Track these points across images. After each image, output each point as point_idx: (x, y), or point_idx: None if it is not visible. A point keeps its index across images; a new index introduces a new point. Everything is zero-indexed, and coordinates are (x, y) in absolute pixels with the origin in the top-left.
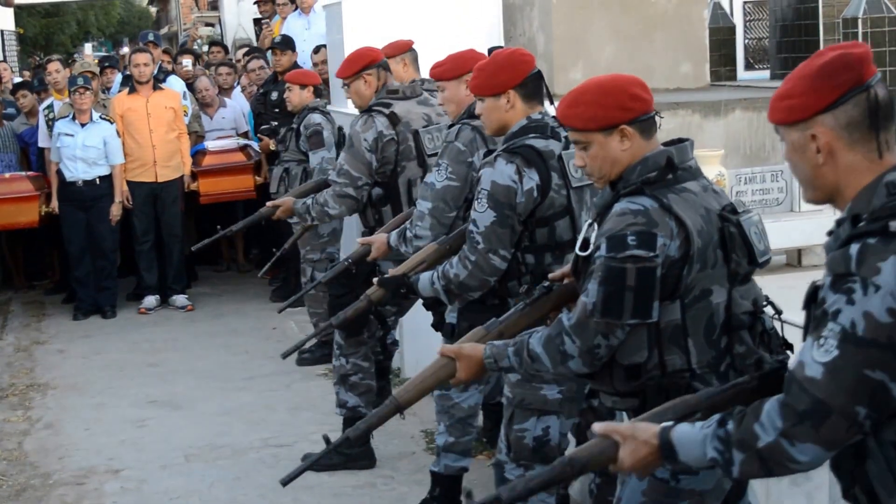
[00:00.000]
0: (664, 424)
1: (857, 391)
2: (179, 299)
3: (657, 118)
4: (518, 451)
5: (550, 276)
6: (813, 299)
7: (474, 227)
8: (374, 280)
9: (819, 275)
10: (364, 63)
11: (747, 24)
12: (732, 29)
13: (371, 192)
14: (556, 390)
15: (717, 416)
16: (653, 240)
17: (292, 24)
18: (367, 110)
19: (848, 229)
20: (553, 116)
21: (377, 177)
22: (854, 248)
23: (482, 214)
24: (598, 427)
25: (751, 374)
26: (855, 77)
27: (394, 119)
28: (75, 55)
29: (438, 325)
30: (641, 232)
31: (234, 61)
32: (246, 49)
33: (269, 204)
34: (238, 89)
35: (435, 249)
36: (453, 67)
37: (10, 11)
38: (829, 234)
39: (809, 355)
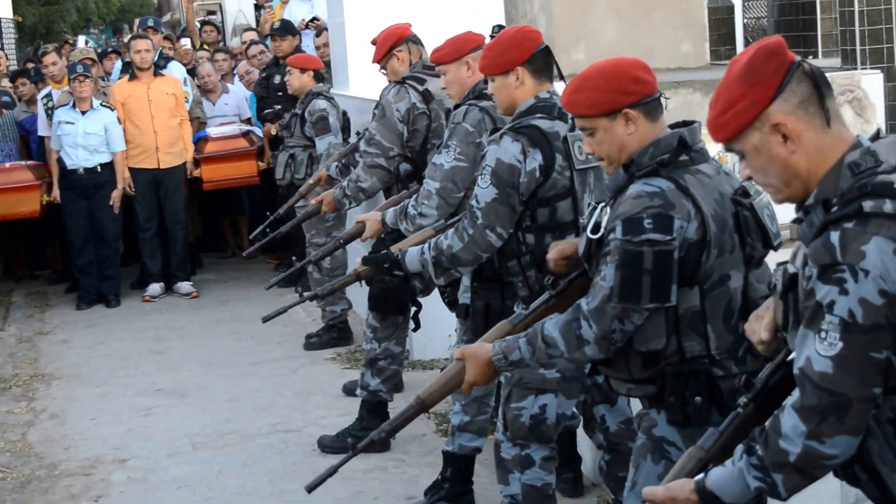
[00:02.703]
0: (697, 478)
1: (870, 375)
2: (184, 286)
3: (663, 99)
4: (515, 429)
5: (549, 255)
6: (790, 288)
7: (475, 203)
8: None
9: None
10: (392, 42)
11: (746, 3)
12: (731, 8)
13: (399, 167)
14: (554, 370)
15: (742, 446)
16: (669, 223)
17: (295, 10)
18: (399, 81)
19: (821, 215)
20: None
21: (406, 151)
22: (834, 237)
23: (484, 191)
24: (643, 492)
25: (746, 398)
26: (785, 58)
27: (427, 96)
28: (70, 41)
29: (452, 304)
30: (658, 215)
31: (232, 48)
32: (252, 38)
33: (313, 201)
34: (237, 76)
35: (431, 235)
36: (453, 50)
37: None
38: (797, 221)
39: (814, 350)
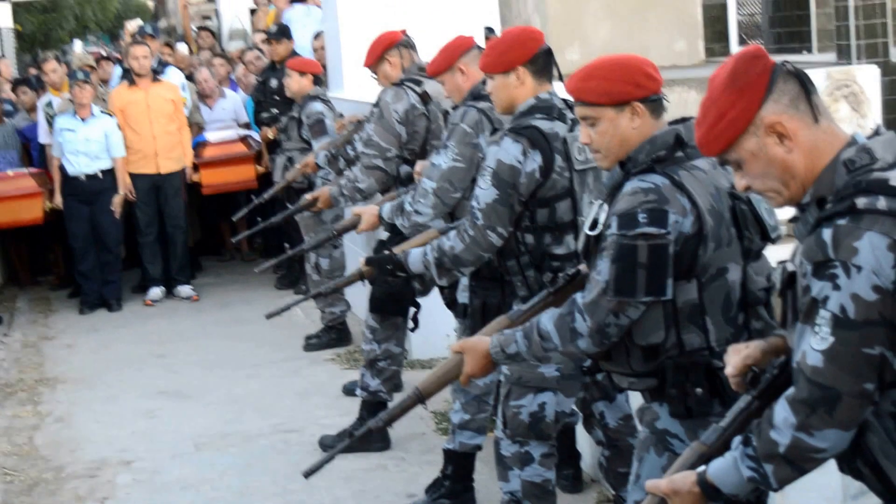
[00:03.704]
0: (699, 469)
1: (861, 370)
2: (185, 290)
3: (664, 101)
4: (514, 427)
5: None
6: (789, 285)
7: (476, 203)
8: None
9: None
10: (384, 46)
11: (740, 0)
12: (725, 6)
13: (399, 169)
14: (553, 368)
15: (740, 437)
16: (664, 217)
17: (292, 12)
18: (397, 83)
19: (815, 213)
20: (563, 99)
21: (405, 153)
22: (827, 233)
23: (485, 191)
24: (646, 485)
25: (750, 395)
26: (767, 61)
27: (425, 98)
28: (64, 48)
29: (451, 303)
30: (652, 209)
31: (229, 52)
32: (242, 48)
33: (308, 197)
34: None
35: (435, 236)
36: (444, 60)
37: (7, 7)
38: (794, 220)
39: (808, 345)
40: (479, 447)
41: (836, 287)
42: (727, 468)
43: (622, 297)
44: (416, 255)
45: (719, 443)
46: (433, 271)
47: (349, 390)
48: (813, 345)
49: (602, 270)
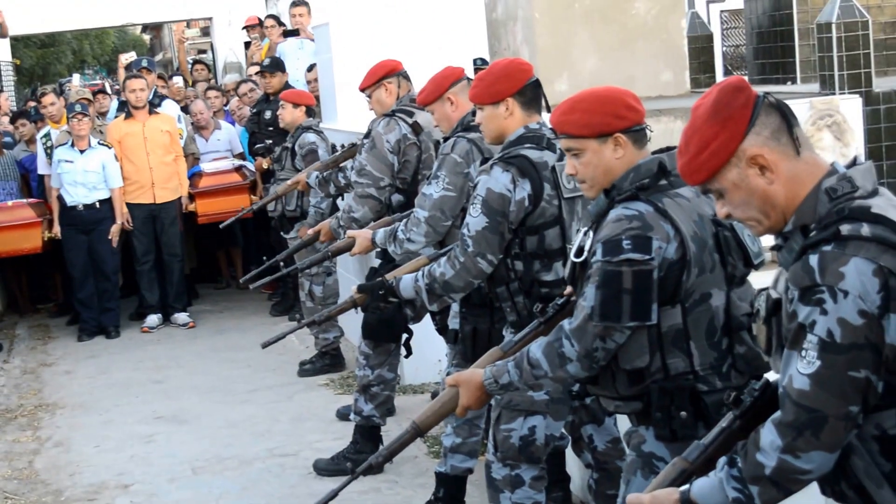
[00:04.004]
0: (682, 488)
1: (847, 393)
2: (181, 317)
3: (647, 131)
4: (505, 450)
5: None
6: (774, 312)
7: (466, 231)
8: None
9: (770, 277)
10: (384, 72)
11: (725, 32)
12: (710, 37)
13: (391, 198)
14: (542, 392)
15: (725, 458)
16: (648, 243)
17: (286, 45)
18: (389, 114)
19: (800, 240)
20: (552, 129)
21: (398, 182)
22: (813, 259)
23: (475, 219)
24: (628, 499)
25: (733, 414)
26: (750, 93)
27: (417, 128)
28: (61, 81)
29: (442, 330)
30: (636, 236)
31: (224, 84)
32: (237, 81)
33: (310, 231)
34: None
35: (425, 262)
36: (434, 89)
37: (6, 42)
38: (776, 248)
39: (795, 369)
40: (470, 470)
41: (824, 312)
42: (712, 489)
43: (608, 322)
44: (407, 281)
45: (701, 459)
46: (424, 297)
47: (343, 415)
48: (800, 369)
49: (588, 296)
